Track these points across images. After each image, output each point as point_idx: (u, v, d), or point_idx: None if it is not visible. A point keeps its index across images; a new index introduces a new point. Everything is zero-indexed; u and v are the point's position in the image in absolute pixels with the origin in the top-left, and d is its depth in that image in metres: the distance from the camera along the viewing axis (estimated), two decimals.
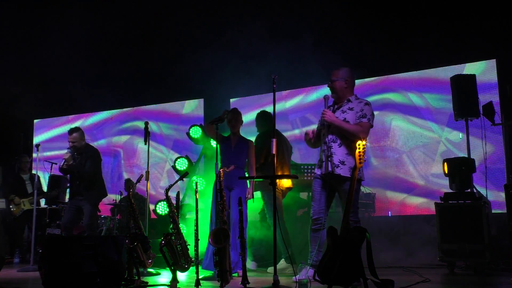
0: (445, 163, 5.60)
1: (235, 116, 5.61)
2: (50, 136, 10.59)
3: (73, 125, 7.32)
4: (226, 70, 7.97)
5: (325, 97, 4.54)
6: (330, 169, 4.40)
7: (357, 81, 4.83)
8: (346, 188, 4.19)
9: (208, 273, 5.07)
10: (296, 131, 8.28)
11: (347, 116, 4.47)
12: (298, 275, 4.36)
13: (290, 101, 8.48)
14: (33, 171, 8.00)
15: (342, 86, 4.58)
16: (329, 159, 4.41)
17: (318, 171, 4.58)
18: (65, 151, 6.17)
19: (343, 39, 7.21)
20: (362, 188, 6.65)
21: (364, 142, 4.01)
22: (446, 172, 5.57)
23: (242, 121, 5.70)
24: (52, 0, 8.25)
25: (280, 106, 8.28)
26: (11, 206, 7.89)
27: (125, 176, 9.56)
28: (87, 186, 6.13)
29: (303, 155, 7.99)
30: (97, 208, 6.35)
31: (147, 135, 6.15)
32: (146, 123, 6.21)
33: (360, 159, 3.94)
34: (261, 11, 7.62)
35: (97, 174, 6.28)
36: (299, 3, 7.46)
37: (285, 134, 6.64)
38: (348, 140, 4.40)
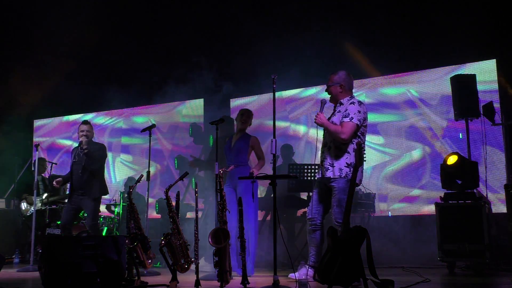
0: (445, 163, 5.60)
1: (248, 113, 5.56)
2: (49, 136, 10.59)
3: (74, 125, 7.33)
4: (227, 70, 7.97)
5: (322, 101, 4.52)
6: (321, 174, 4.55)
7: (355, 81, 4.83)
8: (334, 185, 4.39)
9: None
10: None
11: (334, 119, 4.52)
12: (296, 272, 4.39)
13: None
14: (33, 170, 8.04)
15: (337, 91, 4.62)
16: (323, 163, 4.54)
17: (317, 175, 4.72)
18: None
19: (342, 40, 7.20)
20: (362, 188, 6.67)
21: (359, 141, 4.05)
22: (448, 169, 5.57)
23: (251, 123, 5.62)
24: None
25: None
26: (23, 205, 7.96)
27: (126, 176, 9.55)
28: (89, 179, 6.03)
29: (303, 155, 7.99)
30: (98, 205, 6.19)
31: (147, 129, 6.15)
32: (148, 126, 6.20)
33: (360, 159, 3.94)
34: (262, 9, 7.62)
35: (101, 168, 6.23)
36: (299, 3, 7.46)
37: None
38: (337, 142, 4.43)
